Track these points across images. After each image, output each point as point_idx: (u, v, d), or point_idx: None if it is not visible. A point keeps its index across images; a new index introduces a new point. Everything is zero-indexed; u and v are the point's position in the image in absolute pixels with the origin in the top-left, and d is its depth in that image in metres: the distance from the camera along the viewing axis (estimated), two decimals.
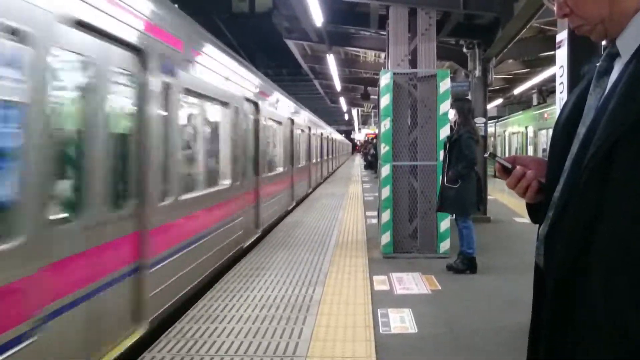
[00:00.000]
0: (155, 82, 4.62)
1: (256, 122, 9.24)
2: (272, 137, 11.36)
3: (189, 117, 6.12)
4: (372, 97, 22.46)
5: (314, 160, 19.95)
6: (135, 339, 4.11)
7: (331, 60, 15.82)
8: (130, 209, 4.23)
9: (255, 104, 9.12)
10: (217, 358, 3.87)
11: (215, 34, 7.91)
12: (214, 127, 7.14)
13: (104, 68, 3.83)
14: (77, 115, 3.65)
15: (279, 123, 11.93)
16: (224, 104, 7.12)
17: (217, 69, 6.73)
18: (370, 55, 17.57)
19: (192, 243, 5.59)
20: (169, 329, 4.47)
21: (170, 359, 3.86)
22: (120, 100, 4.26)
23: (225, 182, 7.18)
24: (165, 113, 4.87)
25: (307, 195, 16.62)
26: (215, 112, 7.05)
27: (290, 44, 15.34)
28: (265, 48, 32.28)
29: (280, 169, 12.00)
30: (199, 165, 6.53)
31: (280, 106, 12.09)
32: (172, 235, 5.05)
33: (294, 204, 13.87)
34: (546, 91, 21.44)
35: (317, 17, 9.92)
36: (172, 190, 5.03)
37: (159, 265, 4.63)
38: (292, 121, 13.96)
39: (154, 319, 4.46)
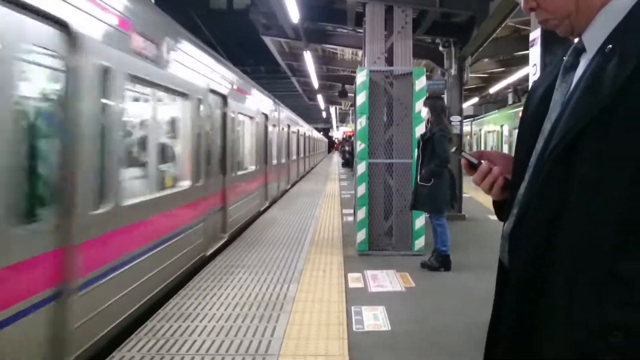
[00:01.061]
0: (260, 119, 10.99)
1: (290, 133, 16.73)
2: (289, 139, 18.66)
3: (271, 133, 13.13)
4: (349, 94, 22.44)
5: (301, 156, 25.53)
6: (223, 241, 8.00)
7: (308, 58, 15.75)
8: (222, 177, 8.34)
9: (288, 125, 17.03)
10: (188, 357, 3.82)
11: (193, 30, 8.13)
12: (278, 137, 14.92)
13: (215, 107, 7.90)
14: (220, 132, 8.32)
15: (293, 131, 19.52)
16: (278, 126, 14.72)
17: (280, 114, 15.52)
18: (348, 52, 17.54)
19: (248, 195, 10.52)
20: (140, 328, 4.40)
21: (141, 358, 3.80)
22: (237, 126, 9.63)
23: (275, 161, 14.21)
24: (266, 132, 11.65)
25: (300, 178, 23.45)
26: (276, 130, 14.57)
27: (268, 40, 15.23)
28: (243, 45, 32.06)
29: (293, 157, 19.76)
30: (274, 151, 14.11)
31: (292, 122, 20.16)
32: (236, 192, 9.47)
33: (294, 180, 21.02)
34: (521, 90, 21.68)
35: (294, 13, 9.87)
36: (274, 159, 13.02)
37: (232, 207, 8.72)
38: (296, 130, 21.59)
39: (231, 233, 8.49)
